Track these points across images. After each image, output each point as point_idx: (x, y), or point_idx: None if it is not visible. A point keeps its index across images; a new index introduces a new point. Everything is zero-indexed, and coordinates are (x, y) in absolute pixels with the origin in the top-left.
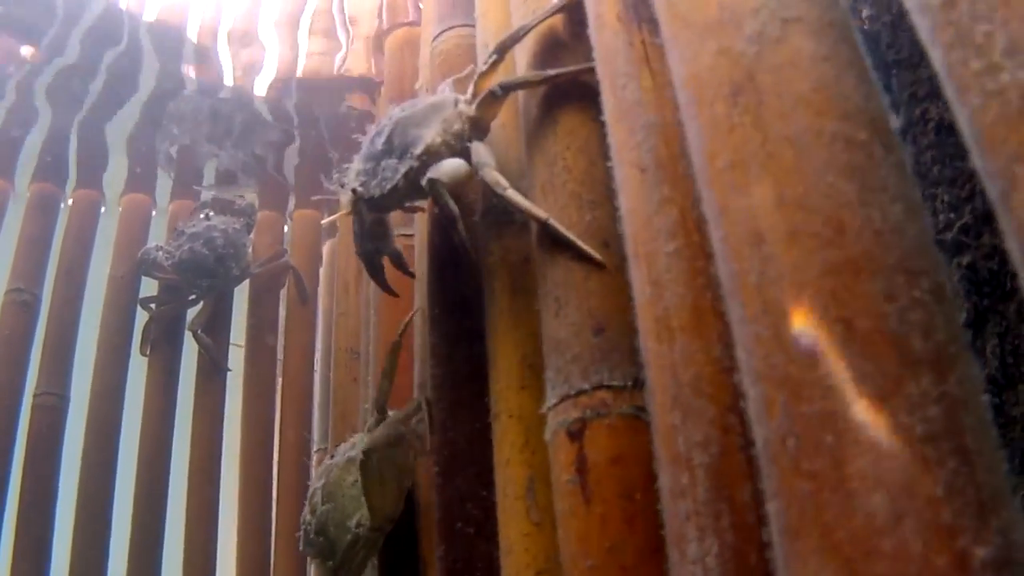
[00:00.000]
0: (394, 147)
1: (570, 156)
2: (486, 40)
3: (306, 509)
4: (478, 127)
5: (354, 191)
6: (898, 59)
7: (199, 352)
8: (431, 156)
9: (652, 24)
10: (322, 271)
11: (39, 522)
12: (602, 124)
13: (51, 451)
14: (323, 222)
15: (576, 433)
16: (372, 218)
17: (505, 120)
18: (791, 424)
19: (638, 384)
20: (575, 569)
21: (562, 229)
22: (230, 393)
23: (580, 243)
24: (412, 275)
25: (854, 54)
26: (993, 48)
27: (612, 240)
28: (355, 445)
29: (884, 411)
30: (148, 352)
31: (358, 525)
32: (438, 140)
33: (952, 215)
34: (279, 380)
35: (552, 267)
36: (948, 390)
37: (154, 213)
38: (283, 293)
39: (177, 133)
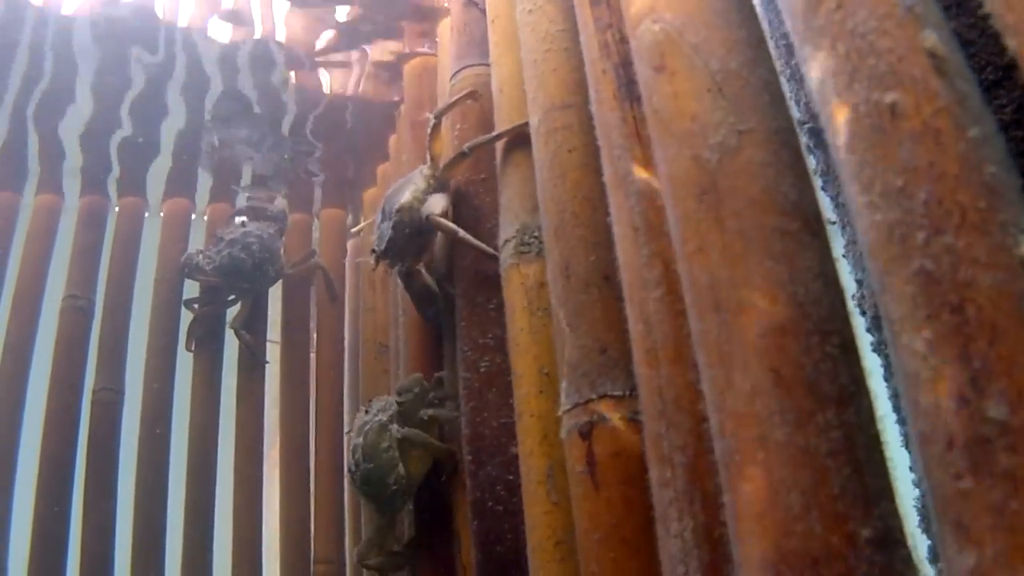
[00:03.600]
0: (385, 215)
1: (576, 204)
2: (500, 84)
3: (350, 460)
4: (441, 183)
5: (373, 251)
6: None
7: (239, 347)
8: (404, 211)
9: (642, 103)
10: (348, 271)
11: (103, 501)
12: (600, 175)
13: (110, 439)
14: (352, 230)
15: (586, 433)
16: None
17: (519, 160)
18: (736, 443)
19: (634, 394)
20: (587, 541)
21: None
22: (268, 383)
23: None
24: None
25: (794, 156)
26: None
27: (612, 275)
28: (385, 408)
29: (800, 434)
30: (193, 348)
31: (395, 482)
32: (408, 198)
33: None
34: (312, 371)
35: (565, 299)
36: (847, 419)
37: (193, 216)
38: (312, 291)
39: (216, 139)
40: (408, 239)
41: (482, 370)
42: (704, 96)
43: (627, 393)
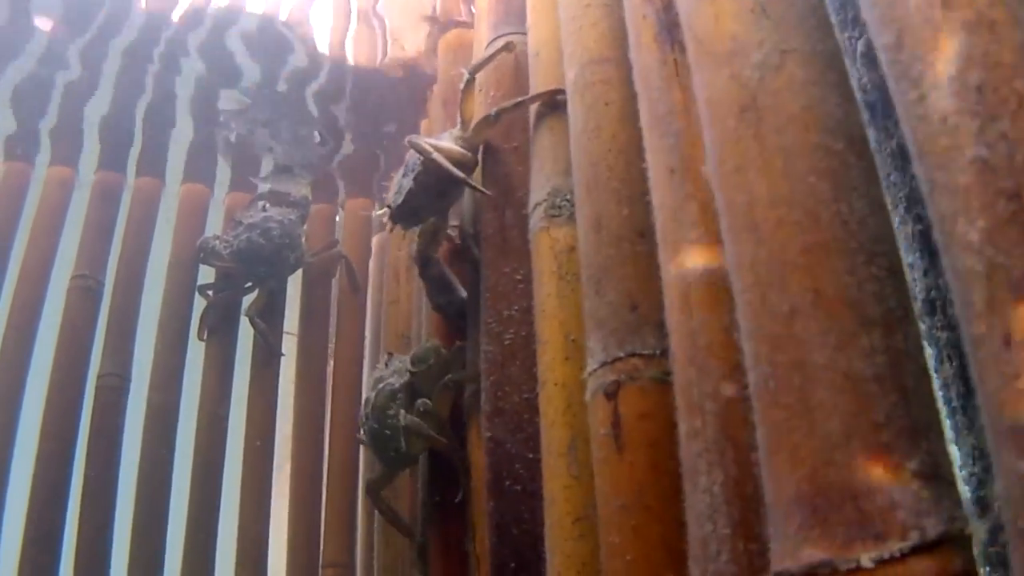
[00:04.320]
0: (407, 170)
1: (612, 157)
2: (537, 48)
3: (362, 412)
4: (468, 145)
5: (388, 206)
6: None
7: (254, 337)
8: (428, 163)
9: (682, 46)
10: (371, 263)
11: (102, 493)
12: (639, 131)
13: (114, 427)
14: (375, 214)
15: (612, 393)
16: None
17: (553, 124)
18: (772, 369)
19: (664, 353)
20: (608, 508)
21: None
22: (282, 376)
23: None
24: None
25: (840, 78)
26: (923, 81)
27: (646, 231)
28: (400, 372)
29: (842, 357)
30: (205, 337)
31: (395, 451)
32: (432, 155)
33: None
34: (330, 364)
35: (595, 255)
36: (894, 344)
37: (210, 204)
38: (334, 282)
39: (234, 126)
40: (429, 195)
41: (506, 342)
42: (746, 17)
43: (657, 352)
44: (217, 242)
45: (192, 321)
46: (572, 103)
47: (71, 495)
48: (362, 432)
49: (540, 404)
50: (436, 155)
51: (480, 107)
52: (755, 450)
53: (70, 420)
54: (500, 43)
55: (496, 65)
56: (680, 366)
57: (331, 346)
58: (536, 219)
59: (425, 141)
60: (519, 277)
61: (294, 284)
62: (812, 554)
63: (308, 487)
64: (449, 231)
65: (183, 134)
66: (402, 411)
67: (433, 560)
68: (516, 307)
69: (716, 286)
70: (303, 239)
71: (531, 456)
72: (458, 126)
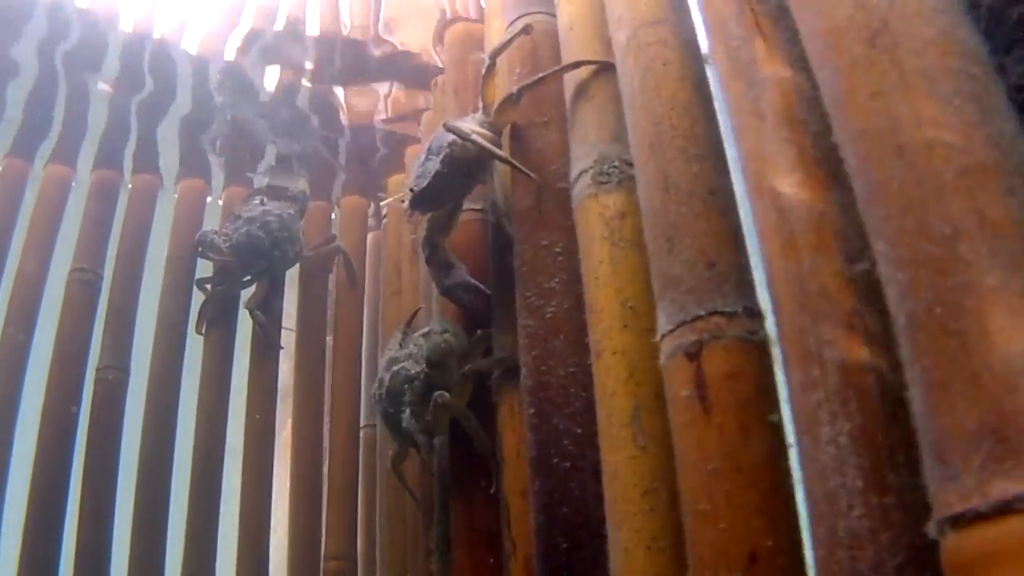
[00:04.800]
0: (431, 152)
1: (675, 116)
2: (570, 22)
3: (375, 391)
4: (492, 128)
5: (411, 189)
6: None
7: (253, 331)
8: (457, 146)
9: None
10: (367, 259)
11: (102, 485)
12: (698, 90)
13: (113, 420)
14: (382, 203)
15: (693, 353)
16: (438, 220)
17: (594, 93)
18: (937, 295)
19: (746, 312)
20: (696, 473)
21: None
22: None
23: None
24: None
25: (959, 9)
26: None
27: (716, 189)
28: (416, 359)
29: (1015, 280)
30: (204, 331)
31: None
32: (472, 137)
33: None
34: (328, 359)
35: (664, 214)
36: None
37: (208, 199)
38: (330, 278)
39: (230, 124)
40: (456, 178)
41: (548, 316)
42: None
43: (739, 310)
44: (216, 236)
45: (191, 315)
46: (624, 66)
47: (71, 487)
48: (376, 405)
49: (596, 374)
50: (477, 137)
51: (503, 90)
52: (883, 395)
53: (70, 412)
54: (519, 24)
55: (516, 46)
56: (788, 316)
57: (328, 339)
58: (582, 187)
59: (464, 125)
60: (558, 250)
61: (289, 279)
62: (1005, 488)
63: (308, 479)
64: (477, 210)
65: (179, 129)
66: (413, 421)
67: (457, 547)
68: (557, 280)
69: (824, 229)
70: (301, 234)
71: (579, 431)
72: (480, 110)
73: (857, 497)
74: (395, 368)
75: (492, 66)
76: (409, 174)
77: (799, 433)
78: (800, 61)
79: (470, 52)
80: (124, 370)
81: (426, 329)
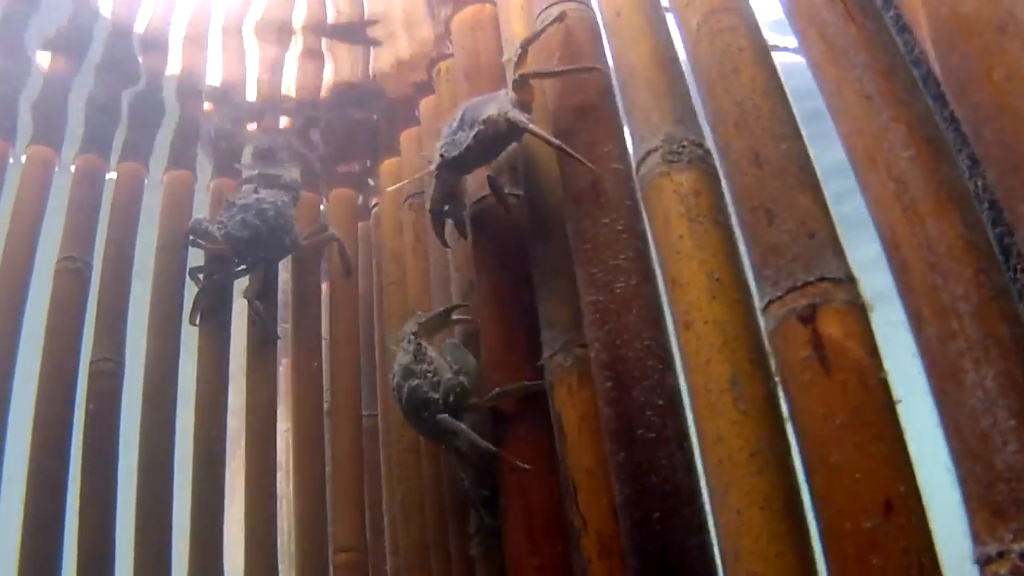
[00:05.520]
0: (464, 123)
1: (757, 97)
2: (617, 8)
3: (393, 394)
4: (524, 106)
5: (442, 155)
6: None
7: (248, 321)
8: (490, 123)
9: None
10: (359, 243)
11: (104, 479)
12: (772, 72)
13: (110, 415)
14: (389, 189)
15: (808, 317)
16: (450, 184)
17: (651, 77)
18: None
19: (848, 278)
20: (822, 429)
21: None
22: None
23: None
24: (465, 237)
25: None
26: None
27: (804, 165)
28: (431, 383)
29: None
30: (198, 322)
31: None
32: (495, 113)
33: None
34: (325, 348)
35: (759, 188)
36: None
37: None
38: (323, 265)
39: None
40: (484, 152)
41: (617, 291)
42: None
43: (843, 277)
44: (209, 224)
45: (184, 305)
46: (698, 50)
47: (70, 486)
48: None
49: (686, 344)
50: (534, 127)
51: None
52: (1018, 343)
53: (64, 408)
54: (554, 12)
55: (550, 33)
56: (919, 276)
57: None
58: (650, 166)
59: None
60: (620, 227)
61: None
62: None
63: (309, 469)
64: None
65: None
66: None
67: (511, 529)
68: (623, 256)
69: (942, 197)
70: (295, 222)
71: (660, 402)
72: (510, 94)
73: (1011, 434)
74: (412, 383)
75: (523, 55)
76: (440, 138)
77: (939, 381)
78: (892, 48)
79: (481, 36)
80: (119, 362)
81: (458, 318)
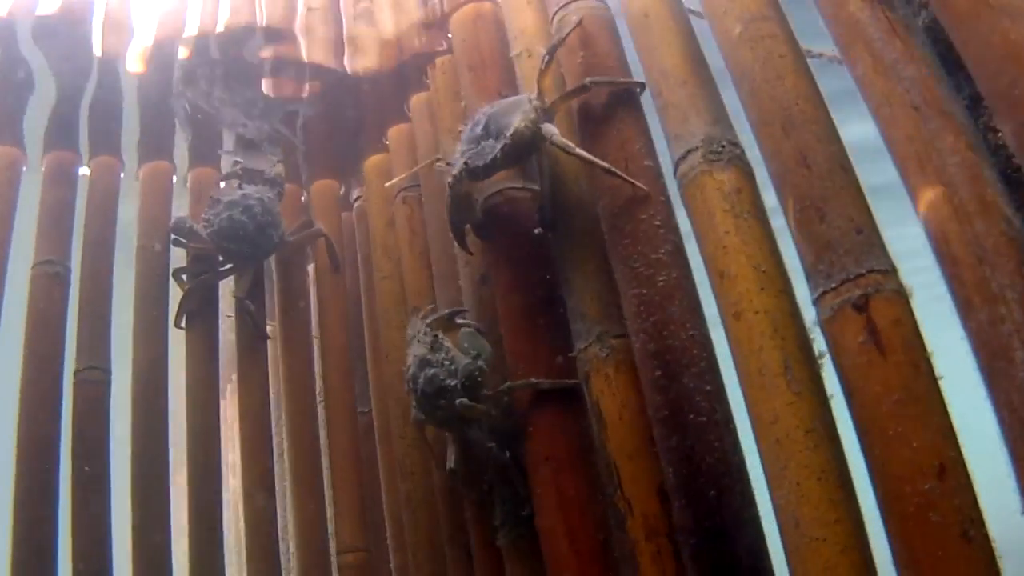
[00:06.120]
0: (490, 132)
1: (802, 102)
2: (644, 9)
3: (407, 384)
4: (548, 114)
5: (465, 163)
6: None
7: (236, 321)
8: (517, 135)
9: (887, 3)
10: (345, 238)
11: (97, 492)
12: (811, 79)
13: (99, 426)
14: (387, 184)
15: (862, 306)
16: (463, 193)
17: (686, 79)
18: None
19: (893, 270)
20: (880, 406)
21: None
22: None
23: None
24: (481, 238)
25: None
26: None
27: (847, 166)
28: (447, 370)
29: None
30: (184, 325)
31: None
32: (521, 125)
33: None
34: (315, 347)
35: (808, 187)
36: None
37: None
38: (310, 262)
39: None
40: (511, 161)
41: (660, 284)
42: None
43: (890, 268)
44: (193, 222)
45: (169, 306)
46: (740, 55)
47: (60, 503)
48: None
49: (736, 333)
50: (579, 151)
51: (569, 74)
52: None
53: (50, 420)
54: (570, 15)
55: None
56: (969, 267)
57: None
58: (691, 165)
59: (569, 144)
60: (658, 223)
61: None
62: None
63: (308, 472)
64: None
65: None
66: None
67: (545, 517)
68: (663, 250)
69: (986, 199)
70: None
71: (708, 388)
72: (535, 98)
73: None
74: (430, 372)
75: (551, 61)
76: (462, 143)
77: (990, 359)
78: (933, 61)
79: (482, 33)
80: (105, 369)
81: (461, 323)
